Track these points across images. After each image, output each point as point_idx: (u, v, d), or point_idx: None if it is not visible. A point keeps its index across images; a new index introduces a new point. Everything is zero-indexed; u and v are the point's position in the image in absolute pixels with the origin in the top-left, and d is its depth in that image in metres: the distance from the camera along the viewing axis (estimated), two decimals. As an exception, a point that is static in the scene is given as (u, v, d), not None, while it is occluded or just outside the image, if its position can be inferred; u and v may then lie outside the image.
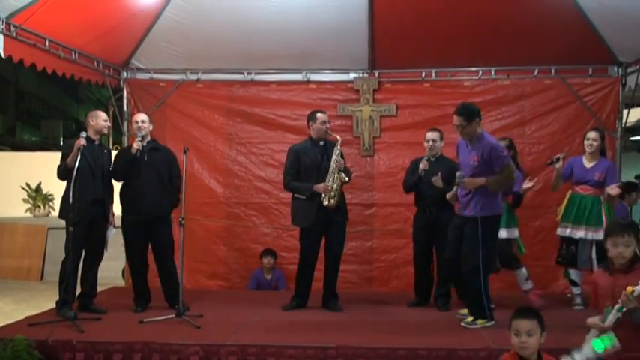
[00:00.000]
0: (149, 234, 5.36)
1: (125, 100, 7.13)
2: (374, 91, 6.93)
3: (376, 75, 7.00)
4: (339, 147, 5.23)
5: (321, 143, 5.36)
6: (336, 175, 5.28)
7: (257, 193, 7.10)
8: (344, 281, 6.51)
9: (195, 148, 6.74)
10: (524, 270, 5.53)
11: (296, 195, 5.42)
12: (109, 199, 5.58)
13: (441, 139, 5.61)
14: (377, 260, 6.89)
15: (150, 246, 5.53)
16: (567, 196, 5.50)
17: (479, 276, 4.60)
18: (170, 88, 7.09)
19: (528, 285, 5.49)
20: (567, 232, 5.34)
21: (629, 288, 2.92)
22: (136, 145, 5.27)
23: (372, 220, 6.95)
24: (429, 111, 6.84)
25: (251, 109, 7.12)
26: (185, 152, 5.32)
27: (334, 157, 5.24)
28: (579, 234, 5.30)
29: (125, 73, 7.14)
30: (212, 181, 7.11)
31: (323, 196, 5.24)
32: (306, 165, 5.42)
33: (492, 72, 6.90)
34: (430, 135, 5.65)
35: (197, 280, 6.94)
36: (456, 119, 4.71)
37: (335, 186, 5.26)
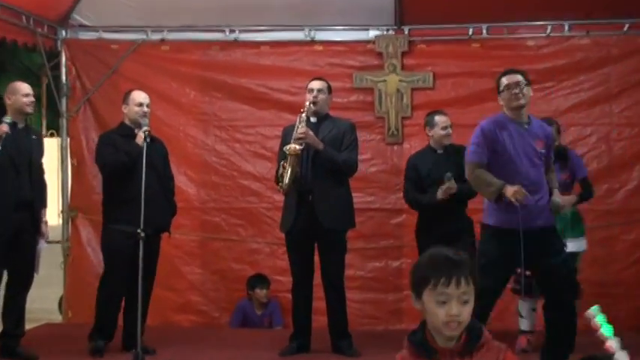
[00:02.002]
0: (137, 252, 5.31)
1: (64, 69, 7.13)
2: (403, 54, 6.92)
3: (405, 33, 6.98)
4: (303, 117, 5.46)
5: (312, 119, 5.55)
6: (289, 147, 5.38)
7: (243, 194, 7.11)
8: (362, 315, 6.52)
9: (159, 133, 6.43)
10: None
11: None
12: (40, 201, 5.56)
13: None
14: (408, 287, 6.83)
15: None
16: None
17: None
18: (124, 52, 7.10)
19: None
20: None
21: None
22: (143, 136, 5.41)
23: (401, 231, 6.87)
24: (479, 82, 6.76)
25: (235, 80, 7.13)
26: (145, 138, 5.37)
27: (296, 129, 5.44)
28: None
29: (64, 33, 7.13)
30: (182, 179, 7.01)
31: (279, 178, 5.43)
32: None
33: (566, 27, 6.86)
34: (445, 120, 5.83)
35: (163, 313, 6.85)
36: (524, 84, 4.75)
37: (286, 163, 5.40)
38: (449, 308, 2.25)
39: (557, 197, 4.80)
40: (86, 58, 7.14)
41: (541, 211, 4.64)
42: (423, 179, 5.75)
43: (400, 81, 7.04)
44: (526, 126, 4.72)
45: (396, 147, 7.11)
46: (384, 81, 7.06)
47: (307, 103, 5.47)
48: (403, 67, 7.02)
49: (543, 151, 4.74)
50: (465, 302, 2.27)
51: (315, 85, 5.61)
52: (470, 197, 5.51)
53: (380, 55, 6.98)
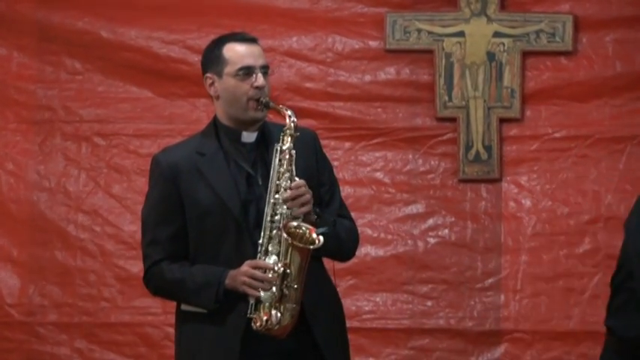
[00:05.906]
0: None
1: None
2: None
3: None
4: (286, 145, 3.39)
5: (245, 136, 3.50)
6: (282, 232, 3.29)
7: (128, 299, 5.02)
8: None
9: None
10: None
11: (182, 307, 3.46)
12: None
13: None
14: None
15: None
16: None
17: None
18: None
19: None
20: None
21: None
22: None
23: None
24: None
25: (115, 34, 5.16)
26: None
27: (274, 176, 3.38)
28: None
29: None
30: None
31: (251, 304, 3.27)
32: (201, 209, 3.42)
33: None
34: None
35: None
36: None
37: (279, 264, 3.36)
38: None
39: None
40: None
41: None
42: None
43: (497, 35, 4.93)
44: None
45: (485, 189, 4.86)
46: (460, 34, 4.99)
47: (288, 114, 3.31)
48: (504, 5, 4.92)
49: None
50: None
51: (254, 56, 3.42)
52: None
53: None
